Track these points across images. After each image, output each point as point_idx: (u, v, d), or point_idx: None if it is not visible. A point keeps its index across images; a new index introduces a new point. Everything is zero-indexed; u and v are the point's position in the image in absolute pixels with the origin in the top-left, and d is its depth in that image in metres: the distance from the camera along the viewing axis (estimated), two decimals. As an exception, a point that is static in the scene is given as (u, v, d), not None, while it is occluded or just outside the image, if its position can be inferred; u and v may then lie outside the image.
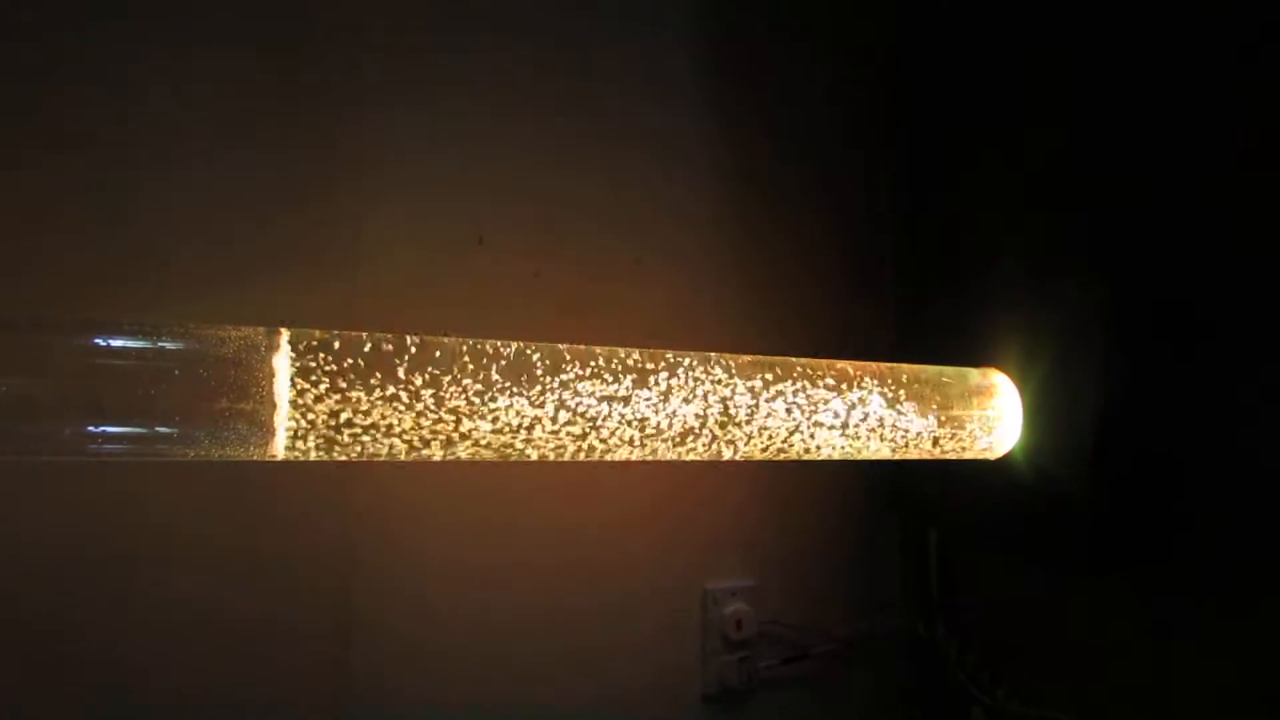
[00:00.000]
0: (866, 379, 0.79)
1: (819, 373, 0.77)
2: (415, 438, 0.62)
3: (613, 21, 1.04)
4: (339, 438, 0.60)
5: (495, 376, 0.64)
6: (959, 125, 1.10)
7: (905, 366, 0.83)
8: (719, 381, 0.72)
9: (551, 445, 0.66)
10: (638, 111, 1.04)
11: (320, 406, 0.58)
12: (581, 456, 0.68)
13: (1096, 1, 0.93)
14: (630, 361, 0.69)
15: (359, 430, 0.60)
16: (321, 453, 0.60)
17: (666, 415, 0.70)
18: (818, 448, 0.77)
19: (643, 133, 1.05)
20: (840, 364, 0.79)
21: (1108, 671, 0.91)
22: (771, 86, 1.13)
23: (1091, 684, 0.93)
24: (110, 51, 0.80)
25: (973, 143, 1.08)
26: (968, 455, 0.86)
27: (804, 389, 0.75)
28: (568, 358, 0.67)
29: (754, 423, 0.73)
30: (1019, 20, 1.02)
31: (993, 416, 0.85)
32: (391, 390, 0.60)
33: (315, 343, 0.59)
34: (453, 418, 0.62)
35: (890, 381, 0.80)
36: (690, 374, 0.71)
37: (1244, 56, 0.81)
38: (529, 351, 0.66)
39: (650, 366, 0.70)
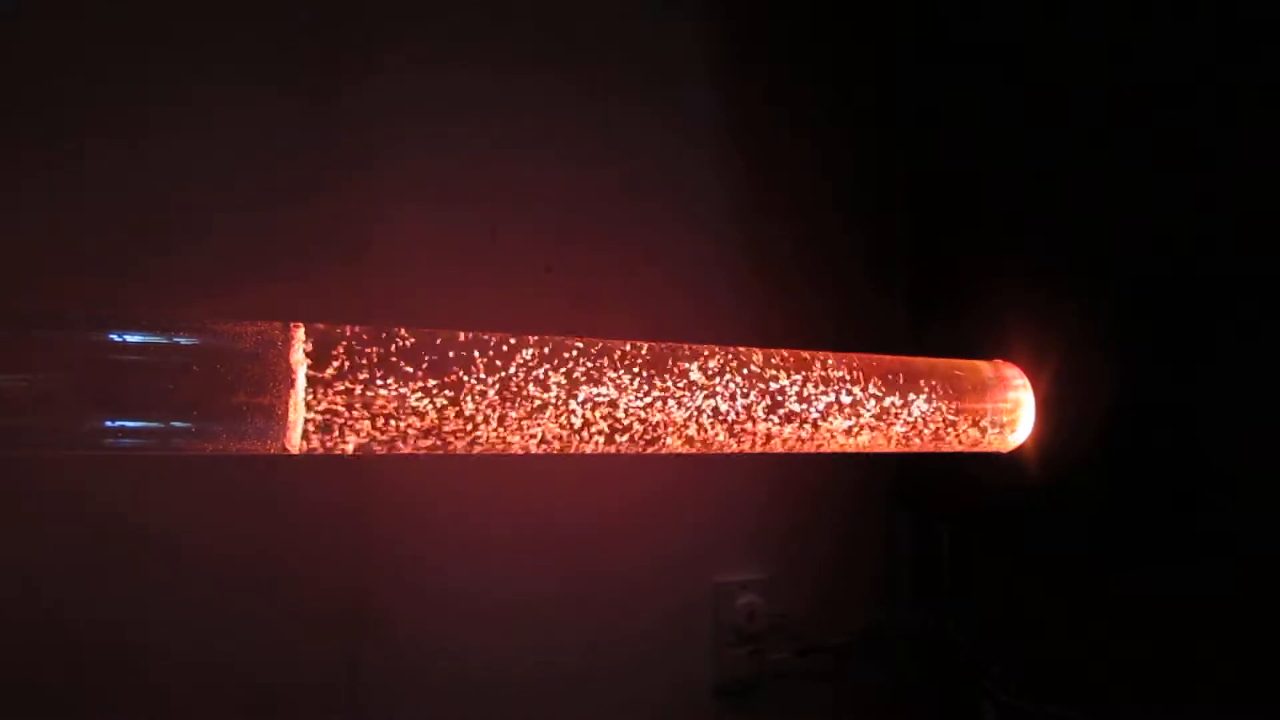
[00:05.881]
0: (878, 372, 0.79)
1: (832, 365, 0.77)
2: (431, 431, 0.62)
3: (623, 18, 1.04)
4: (354, 431, 0.60)
5: (512, 369, 0.64)
6: (966, 121, 1.10)
7: (917, 359, 0.83)
8: (729, 375, 0.72)
9: (574, 437, 0.67)
10: (649, 106, 1.04)
11: (335, 400, 0.59)
12: (613, 448, 0.68)
13: (1096, 3, 0.92)
14: (644, 355, 0.69)
15: (374, 423, 0.60)
16: (336, 445, 0.60)
17: (676, 409, 0.70)
18: (830, 440, 0.77)
19: (655, 127, 1.04)
20: (852, 356, 0.79)
21: (1119, 668, 0.91)
22: (783, 81, 1.13)
23: (1103, 680, 0.93)
24: (127, 50, 0.81)
25: (980, 138, 1.08)
26: (980, 448, 0.86)
27: (816, 382, 0.75)
28: (584, 350, 0.67)
29: (764, 416, 0.73)
30: (1021, 20, 1.01)
31: (1005, 409, 0.85)
32: (406, 383, 0.61)
33: (330, 337, 0.59)
34: (469, 411, 0.63)
35: (902, 374, 0.80)
36: (703, 369, 0.71)
37: (1244, 56, 0.80)
38: (545, 346, 0.66)
39: (664, 359, 0.70)
